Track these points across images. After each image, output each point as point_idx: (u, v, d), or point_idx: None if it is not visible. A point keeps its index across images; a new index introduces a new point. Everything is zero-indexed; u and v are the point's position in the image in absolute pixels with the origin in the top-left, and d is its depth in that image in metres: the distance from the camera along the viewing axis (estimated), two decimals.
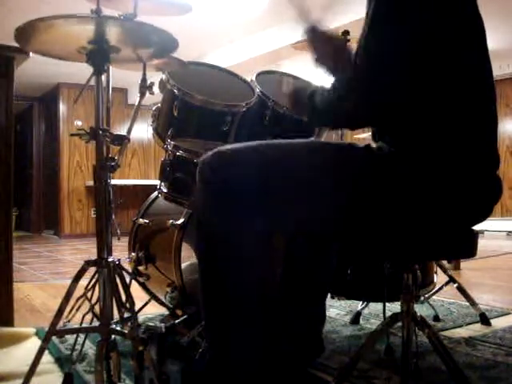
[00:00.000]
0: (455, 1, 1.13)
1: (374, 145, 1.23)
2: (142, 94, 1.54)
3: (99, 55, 1.29)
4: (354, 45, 2.63)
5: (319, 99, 1.22)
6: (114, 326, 1.31)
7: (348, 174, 1.16)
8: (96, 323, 1.32)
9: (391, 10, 1.08)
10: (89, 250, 5.45)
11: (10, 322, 1.89)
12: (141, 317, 1.94)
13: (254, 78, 1.94)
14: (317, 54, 1.35)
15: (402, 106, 1.13)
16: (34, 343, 1.77)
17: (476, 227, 1.25)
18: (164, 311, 2.01)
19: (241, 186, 1.12)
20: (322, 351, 1.58)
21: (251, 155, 1.17)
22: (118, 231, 1.46)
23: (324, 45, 1.33)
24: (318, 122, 1.59)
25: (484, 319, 2.06)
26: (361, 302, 2.12)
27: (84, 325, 1.39)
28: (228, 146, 1.20)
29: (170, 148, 1.68)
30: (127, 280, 1.40)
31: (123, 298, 1.33)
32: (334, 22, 4.13)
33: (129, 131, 1.46)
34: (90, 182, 6.70)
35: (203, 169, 1.17)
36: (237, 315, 1.17)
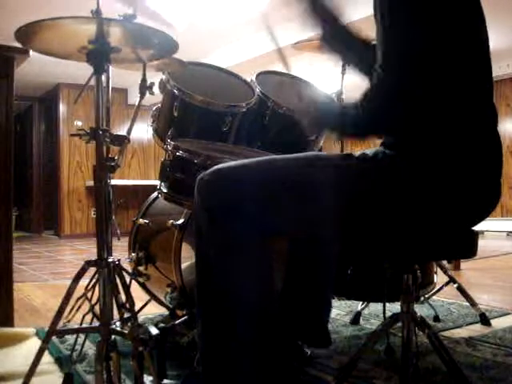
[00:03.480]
0: (461, 7, 1.14)
1: (368, 151, 1.23)
2: (142, 95, 1.54)
3: (99, 55, 1.30)
4: None
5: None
6: (114, 326, 1.31)
7: (346, 182, 1.16)
8: (96, 323, 1.32)
9: (408, 14, 1.10)
10: (89, 250, 5.45)
11: (9, 322, 1.89)
12: (141, 317, 1.94)
13: (253, 78, 1.94)
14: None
15: (409, 110, 1.13)
16: (34, 343, 1.77)
17: (476, 227, 1.25)
18: (164, 311, 2.01)
19: (239, 204, 1.14)
20: (329, 343, 1.59)
21: (248, 173, 1.18)
22: (118, 231, 1.46)
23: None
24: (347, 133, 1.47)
25: (484, 319, 2.06)
26: (361, 302, 2.12)
27: (84, 325, 1.39)
28: (225, 165, 1.21)
29: (169, 148, 1.67)
30: (127, 280, 1.40)
31: (123, 298, 1.33)
32: None
33: (129, 131, 1.46)
34: (90, 182, 6.70)
35: (201, 187, 1.18)
36: (235, 324, 1.18)
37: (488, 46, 1.19)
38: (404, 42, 1.11)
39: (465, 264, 3.50)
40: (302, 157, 1.26)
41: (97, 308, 1.32)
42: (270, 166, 1.21)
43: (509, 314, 2.24)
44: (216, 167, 1.20)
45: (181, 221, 1.72)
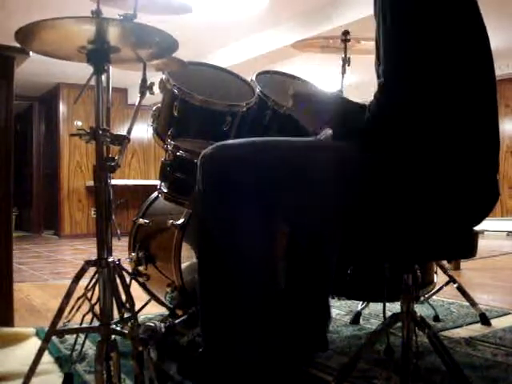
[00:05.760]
0: (460, 11, 1.14)
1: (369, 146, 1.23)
2: (142, 94, 1.54)
3: (99, 55, 1.29)
4: (355, 45, 2.64)
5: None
6: (114, 326, 1.31)
7: (347, 174, 1.16)
8: (96, 323, 1.32)
9: (410, 19, 1.11)
10: (89, 249, 5.45)
11: (10, 322, 1.89)
12: (141, 317, 1.94)
13: (253, 78, 1.94)
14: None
15: (409, 110, 1.14)
16: (34, 343, 1.77)
17: (476, 227, 1.25)
18: (164, 311, 2.01)
19: (241, 177, 1.14)
20: (326, 348, 1.59)
21: (251, 148, 1.19)
22: (118, 231, 1.46)
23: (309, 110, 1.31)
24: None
25: (484, 319, 2.05)
26: (361, 302, 2.12)
27: (84, 325, 1.39)
28: (229, 141, 1.22)
29: (170, 148, 1.68)
30: (127, 280, 1.40)
31: (123, 297, 1.33)
32: (335, 22, 4.13)
33: (129, 131, 1.46)
34: (90, 182, 6.70)
35: (204, 161, 1.18)
36: (236, 311, 1.18)
37: (489, 45, 1.19)
38: (405, 41, 1.12)
39: (465, 264, 3.49)
40: (305, 141, 1.26)
41: (97, 308, 1.32)
42: (273, 144, 1.22)
43: (509, 313, 2.24)
44: (220, 143, 1.20)
45: (181, 221, 1.73)
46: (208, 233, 1.20)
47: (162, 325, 1.55)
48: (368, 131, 1.19)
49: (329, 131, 1.47)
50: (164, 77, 1.81)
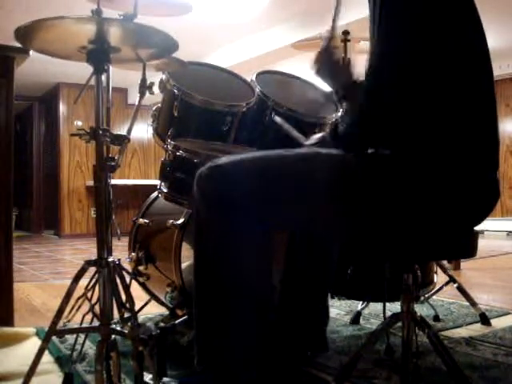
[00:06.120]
0: (457, 12, 1.14)
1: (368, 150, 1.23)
2: (142, 94, 1.54)
3: (99, 55, 1.29)
4: (355, 45, 2.64)
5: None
6: (114, 326, 1.31)
7: (346, 176, 1.16)
8: (96, 323, 1.32)
9: (402, 23, 1.11)
10: (89, 249, 5.45)
11: (10, 322, 1.89)
12: (141, 317, 1.94)
13: (253, 78, 1.94)
14: (320, 69, 1.33)
15: (405, 109, 1.14)
16: (34, 343, 1.77)
17: (476, 227, 1.25)
18: (164, 311, 2.01)
19: (237, 197, 1.15)
20: (326, 350, 1.59)
21: (246, 167, 1.19)
22: (118, 231, 1.46)
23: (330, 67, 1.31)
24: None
25: (484, 319, 2.06)
26: (361, 302, 2.12)
27: (84, 325, 1.39)
28: (224, 159, 1.22)
29: (169, 148, 1.68)
30: (127, 280, 1.40)
31: (123, 298, 1.33)
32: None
33: (129, 131, 1.46)
34: (90, 182, 6.69)
35: (200, 181, 1.19)
36: (233, 318, 1.19)
37: (485, 42, 1.19)
38: (397, 40, 1.11)
39: (465, 264, 3.50)
40: (299, 151, 1.26)
41: (97, 308, 1.32)
42: (268, 159, 1.22)
43: (509, 313, 2.24)
44: (214, 161, 1.21)
45: (181, 220, 1.73)
46: (203, 248, 1.21)
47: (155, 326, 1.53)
48: (362, 132, 1.20)
49: (316, 136, 1.47)
50: (164, 77, 1.81)
